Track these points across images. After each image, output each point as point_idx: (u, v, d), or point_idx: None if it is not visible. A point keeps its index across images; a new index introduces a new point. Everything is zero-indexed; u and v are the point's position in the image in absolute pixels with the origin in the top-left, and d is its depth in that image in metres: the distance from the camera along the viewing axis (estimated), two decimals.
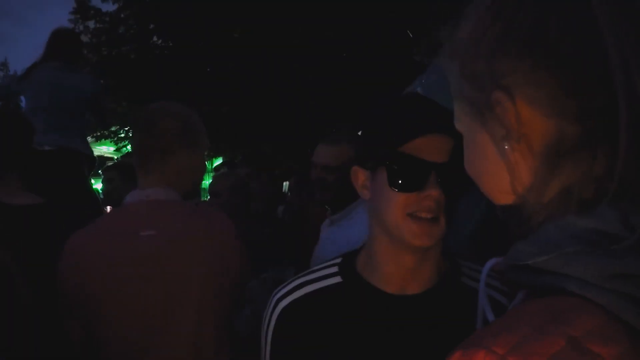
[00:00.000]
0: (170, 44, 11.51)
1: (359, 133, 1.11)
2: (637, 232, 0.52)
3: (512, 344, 0.49)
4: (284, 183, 7.44)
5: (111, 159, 14.38)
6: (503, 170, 0.62)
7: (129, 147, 14.33)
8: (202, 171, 1.83)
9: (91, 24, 11.90)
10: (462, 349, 0.53)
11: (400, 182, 0.95)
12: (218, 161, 13.20)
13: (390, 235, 1.01)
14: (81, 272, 1.57)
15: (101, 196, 4.10)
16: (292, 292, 1.09)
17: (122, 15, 11.55)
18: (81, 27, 11.92)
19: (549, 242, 0.56)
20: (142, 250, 1.56)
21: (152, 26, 11.41)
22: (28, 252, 2.03)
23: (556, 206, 0.58)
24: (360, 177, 1.06)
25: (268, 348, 1.10)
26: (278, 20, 8.96)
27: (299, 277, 1.12)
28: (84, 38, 11.47)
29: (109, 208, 4.01)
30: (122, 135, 14.15)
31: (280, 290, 1.11)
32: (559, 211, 0.57)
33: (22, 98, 3.93)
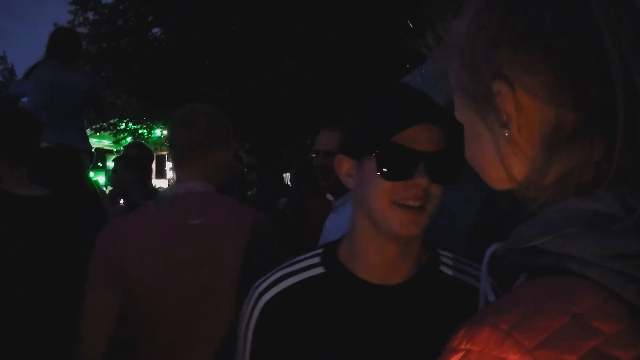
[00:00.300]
0: (169, 37, 11.46)
1: (348, 122, 1.10)
2: (636, 214, 0.54)
3: (516, 320, 0.50)
4: (285, 175, 7.44)
5: (110, 151, 14.37)
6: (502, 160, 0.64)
7: (128, 139, 14.31)
8: (231, 168, 1.96)
9: (91, 15, 11.86)
10: (467, 327, 0.54)
11: (389, 170, 0.95)
12: None
13: (375, 225, 1.00)
14: (129, 259, 1.60)
15: (107, 186, 4.18)
16: (274, 285, 1.07)
17: (120, 7, 11.50)
18: (81, 19, 11.88)
19: (550, 224, 0.56)
20: (192, 237, 1.63)
21: (150, 19, 11.36)
22: (34, 240, 2.11)
23: (556, 190, 0.59)
24: (344, 165, 1.05)
25: (249, 342, 1.07)
26: (278, 20, 8.92)
27: (279, 270, 1.09)
28: (83, 29, 11.44)
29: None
30: (122, 127, 14.14)
31: (261, 283, 1.09)
32: (559, 195, 0.58)
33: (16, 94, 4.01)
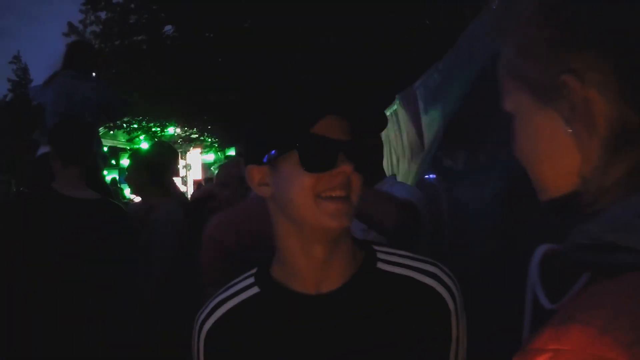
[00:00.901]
0: (180, 33, 11.50)
1: (249, 132, 1.07)
2: None
3: (609, 317, 0.50)
4: None
5: (124, 149, 14.45)
6: (568, 151, 0.62)
7: (141, 137, 14.39)
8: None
9: (102, 15, 11.94)
10: (553, 326, 0.52)
11: (313, 162, 0.94)
12: (231, 151, 13.23)
13: (301, 227, 0.98)
14: (246, 249, 1.61)
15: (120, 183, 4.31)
16: (212, 313, 1.07)
17: (132, 6, 11.57)
18: (92, 17, 11.97)
19: (620, 221, 0.56)
20: None
21: (162, 15, 11.42)
22: (77, 242, 2.15)
23: (621, 187, 0.59)
24: (255, 175, 1.02)
25: None
26: (278, 20, 8.93)
27: (217, 296, 1.09)
28: (95, 28, 11.52)
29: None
30: (135, 125, 14.21)
31: (201, 313, 1.09)
32: (625, 192, 0.58)
33: (42, 102, 4.31)
